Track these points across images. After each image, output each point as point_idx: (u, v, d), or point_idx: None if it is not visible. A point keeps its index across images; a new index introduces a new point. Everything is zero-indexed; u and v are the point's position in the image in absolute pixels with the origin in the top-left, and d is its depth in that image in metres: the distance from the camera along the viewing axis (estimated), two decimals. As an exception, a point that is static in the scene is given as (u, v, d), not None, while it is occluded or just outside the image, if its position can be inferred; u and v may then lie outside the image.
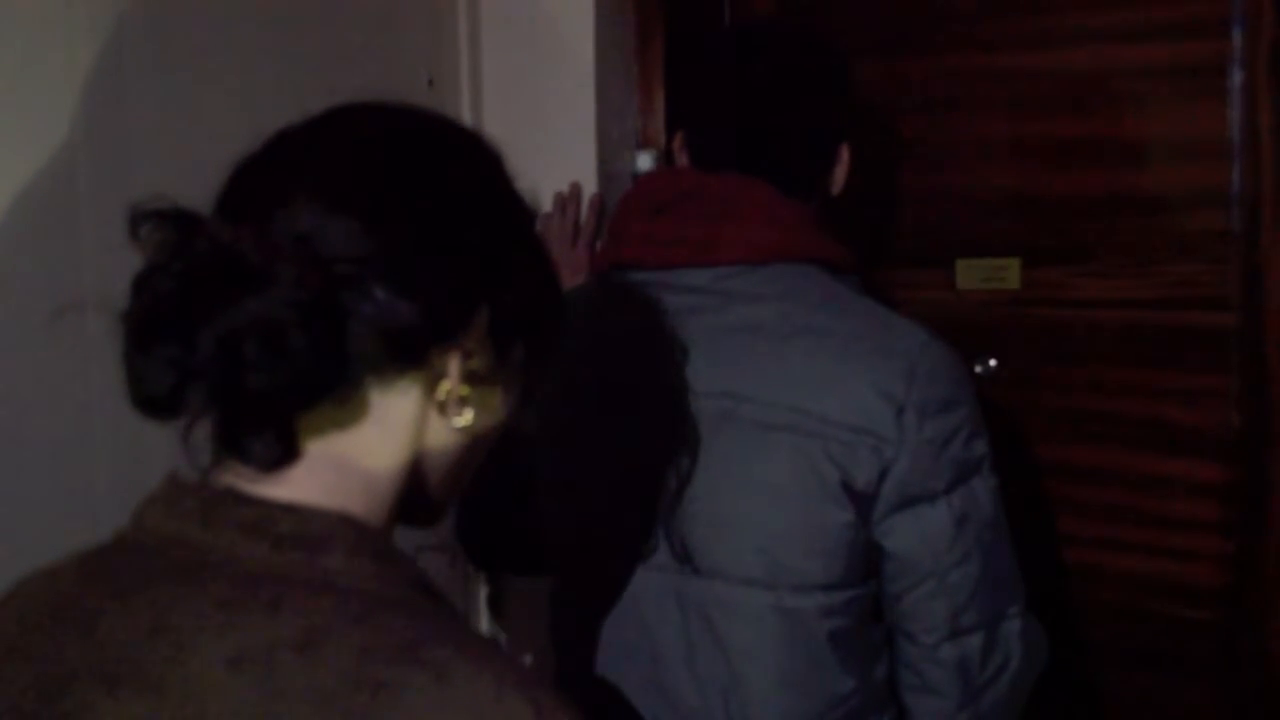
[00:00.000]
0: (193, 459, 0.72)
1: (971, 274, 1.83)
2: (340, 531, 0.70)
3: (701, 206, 1.27)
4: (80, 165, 1.18)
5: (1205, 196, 1.68)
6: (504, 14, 1.78)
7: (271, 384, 0.66)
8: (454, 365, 0.74)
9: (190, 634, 0.66)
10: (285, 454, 0.70)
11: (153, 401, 0.67)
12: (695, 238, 1.25)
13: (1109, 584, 1.79)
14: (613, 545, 1.30)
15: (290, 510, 0.70)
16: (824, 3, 1.88)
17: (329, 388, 0.69)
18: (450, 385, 0.74)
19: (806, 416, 1.19)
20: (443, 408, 0.74)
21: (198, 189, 0.72)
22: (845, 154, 1.34)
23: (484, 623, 1.82)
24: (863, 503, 1.19)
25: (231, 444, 0.69)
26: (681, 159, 1.36)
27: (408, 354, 0.72)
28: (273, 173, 0.74)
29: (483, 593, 1.83)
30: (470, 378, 0.75)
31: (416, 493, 0.77)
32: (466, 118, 1.75)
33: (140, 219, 0.67)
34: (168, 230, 0.67)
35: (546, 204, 1.72)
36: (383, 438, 0.74)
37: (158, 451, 0.73)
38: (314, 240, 0.69)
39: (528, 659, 1.68)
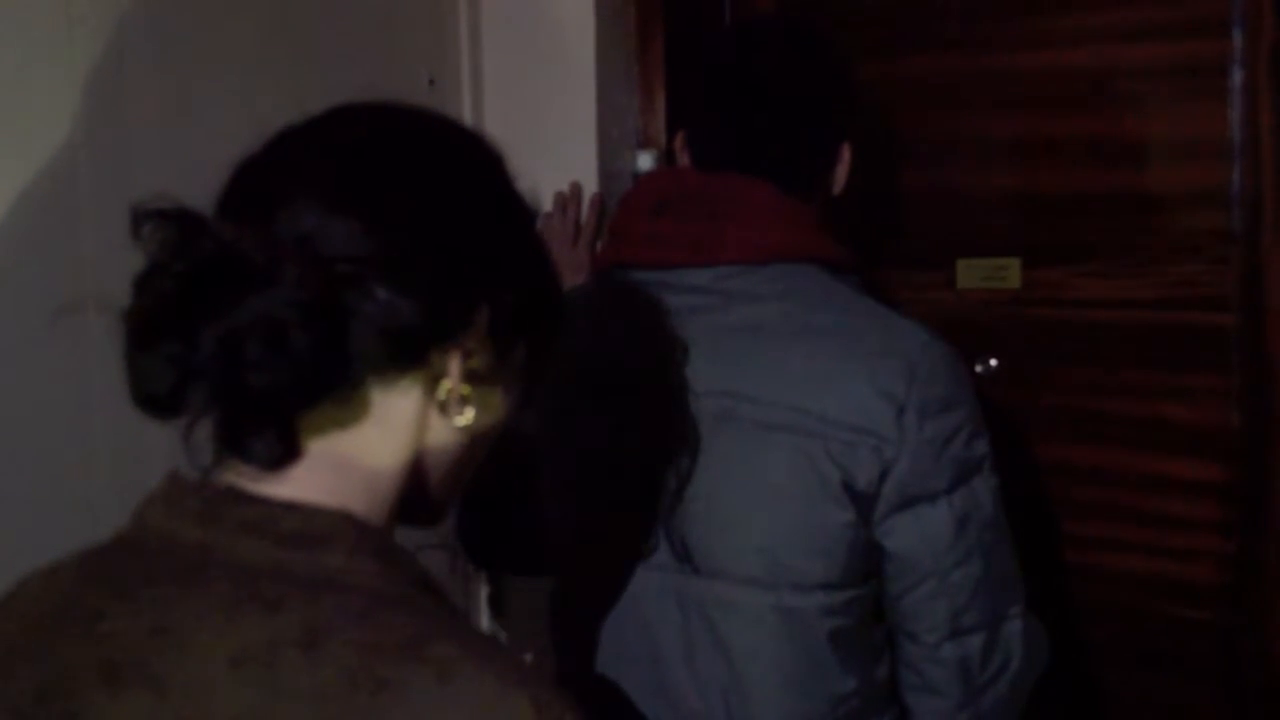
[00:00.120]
0: (193, 458, 0.72)
1: (972, 274, 1.83)
2: (342, 530, 0.70)
3: (702, 206, 1.26)
4: (81, 165, 1.18)
5: (1206, 196, 1.68)
6: (505, 14, 1.78)
7: (273, 383, 0.66)
8: (455, 365, 0.74)
9: (192, 633, 0.66)
10: (286, 453, 0.70)
11: (154, 400, 0.67)
12: (696, 237, 1.25)
13: (1109, 584, 1.79)
14: (613, 545, 1.30)
15: (291, 509, 0.70)
16: (824, 2, 1.88)
17: (330, 387, 0.69)
18: (451, 385, 0.74)
19: (807, 416, 1.19)
20: (443, 407, 0.75)
21: (198, 189, 0.72)
22: (846, 153, 1.34)
23: (484, 622, 1.82)
24: (863, 502, 1.19)
25: (233, 443, 0.69)
26: (683, 158, 1.36)
27: (409, 353, 0.72)
28: (274, 173, 0.74)
29: (483, 592, 1.83)
30: (471, 377, 0.75)
31: (417, 492, 0.77)
32: (467, 118, 1.75)
33: (142, 218, 0.67)
34: (170, 230, 0.67)
35: (547, 204, 1.72)
36: (384, 437, 0.74)
37: (158, 451, 0.73)
38: (315, 240, 0.69)
39: (528, 658, 1.68)
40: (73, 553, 0.76)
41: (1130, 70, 1.71)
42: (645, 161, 1.82)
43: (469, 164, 0.79)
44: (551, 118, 1.75)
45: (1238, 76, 1.63)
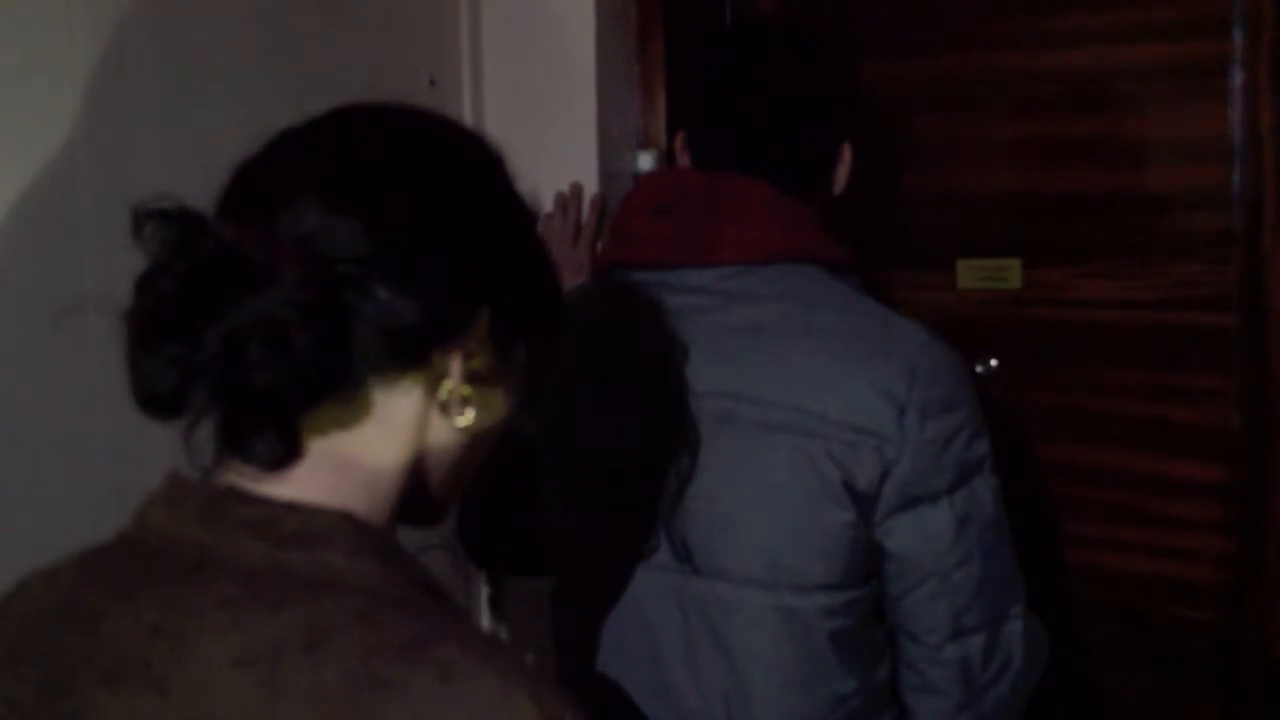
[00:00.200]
0: (194, 458, 0.72)
1: (972, 274, 1.83)
2: (343, 530, 0.70)
3: (703, 206, 1.26)
4: (81, 166, 1.18)
5: (1206, 197, 1.68)
6: (505, 14, 1.78)
7: (275, 383, 0.66)
8: (456, 365, 0.74)
9: (194, 633, 0.66)
10: (288, 453, 0.70)
11: (156, 400, 0.67)
12: (696, 237, 1.25)
13: (1110, 584, 1.79)
14: (613, 545, 1.30)
15: (293, 509, 0.70)
16: (825, 3, 1.88)
17: (332, 387, 0.69)
18: (452, 385, 0.74)
19: (807, 416, 1.19)
20: (444, 407, 0.75)
21: (198, 189, 0.72)
22: (847, 154, 1.34)
23: (485, 622, 1.82)
24: (864, 503, 1.19)
25: (234, 443, 0.69)
26: (683, 159, 1.36)
27: (410, 354, 0.72)
28: (275, 173, 0.74)
29: (484, 592, 1.83)
30: (472, 377, 0.75)
31: (418, 492, 0.77)
32: (468, 118, 1.75)
33: (143, 218, 0.67)
34: (171, 230, 0.67)
35: (548, 204, 1.72)
36: (385, 437, 0.74)
37: (158, 451, 0.73)
38: (316, 240, 0.69)
39: (528, 658, 1.68)
40: (73, 553, 0.76)
41: (1131, 71, 1.71)
42: (646, 162, 1.82)
43: (469, 164, 0.79)
44: (552, 118, 1.75)
45: (1238, 77, 1.63)
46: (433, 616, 0.69)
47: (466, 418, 0.75)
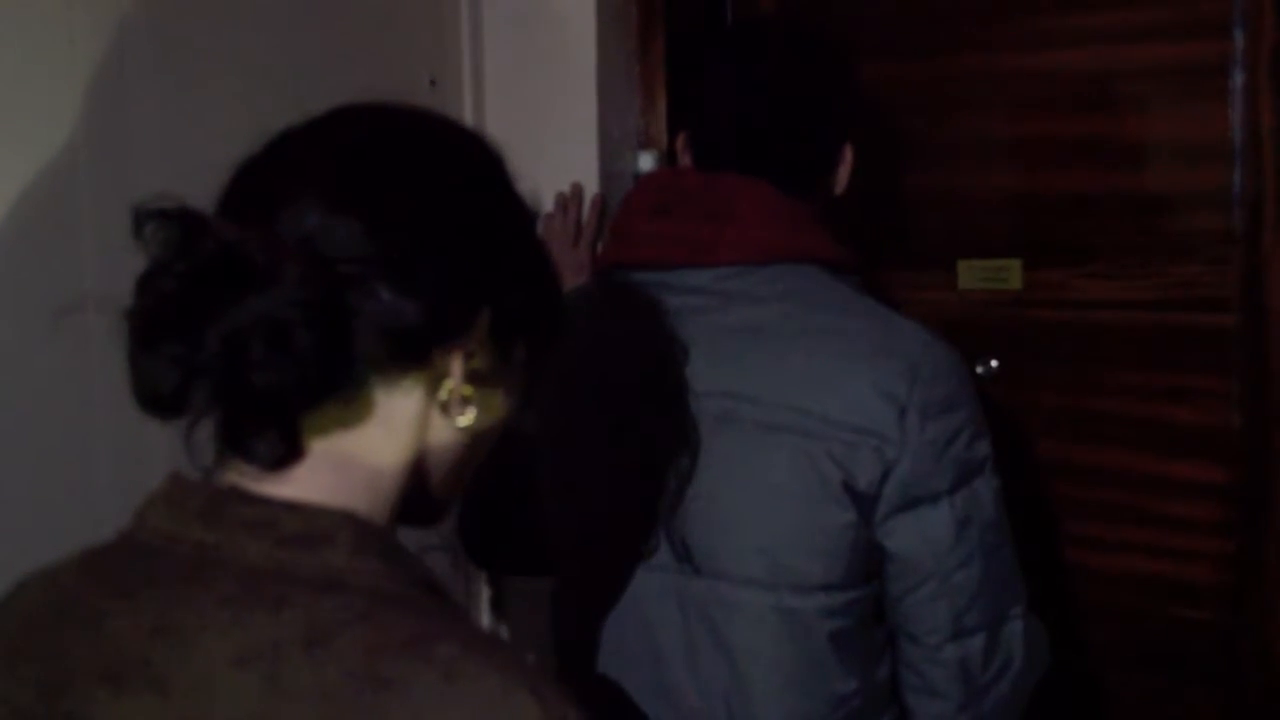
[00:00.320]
0: (194, 458, 0.72)
1: (973, 274, 1.83)
2: (344, 529, 0.70)
3: (703, 207, 1.26)
4: (81, 166, 1.18)
5: (1206, 198, 1.68)
6: (506, 14, 1.78)
7: (276, 383, 0.66)
8: (457, 365, 0.74)
9: (195, 633, 0.66)
10: (289, 453, 0.70)
11: (157, 400, 0.67)
12: (696, 238, 1.25)
13: (1110, 585, 1.79)
14: (613, 545, 1.30)
15: (294, 508, 0.70)
16: (826, 3, 1.88)
17: (333, 387, 0.69)
18: (453, 385, 0.74)
19: (808, 417, 1.19)
20: (445, 407, 0.75)
21: (199, 189, 0.72)
22: (848, 154, 1.34)
23: (485, 622, 1.82)
24: (864, 503, 1.19)
25: (235, 443, 0.69)
26: (684, 159, 1.36)
27: (411, 354, 0.72)
28: (276, 173, 0.74)
29: (484, 592, 1.83)
30: (472, 377, 0.75)
31: (418, 491, 0.77)
32: (468, 118, 1.75)
33: (144, 218, 0.67)
34: (172, 229, 0.67)
35: (548, 204, 1.72)
36: (386, 437, 0.74)
37: (159, 451, 0.73)
38: (318, 240, 0.69)
39: (530, 658, 1.68)
40: (74, 553, 0.76)
41: (1131, 71, 1.71)
42: (646, 162, 1.82)
43: (470, 165, 0.79)
44: (552, 118, 1.75)
45: (1239, 78, 1.63)
46: (434, 616, 0.69)
47: (467, 417, 0.75)
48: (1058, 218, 1.78)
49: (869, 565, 1.23)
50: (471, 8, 1.77)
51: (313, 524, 0.70)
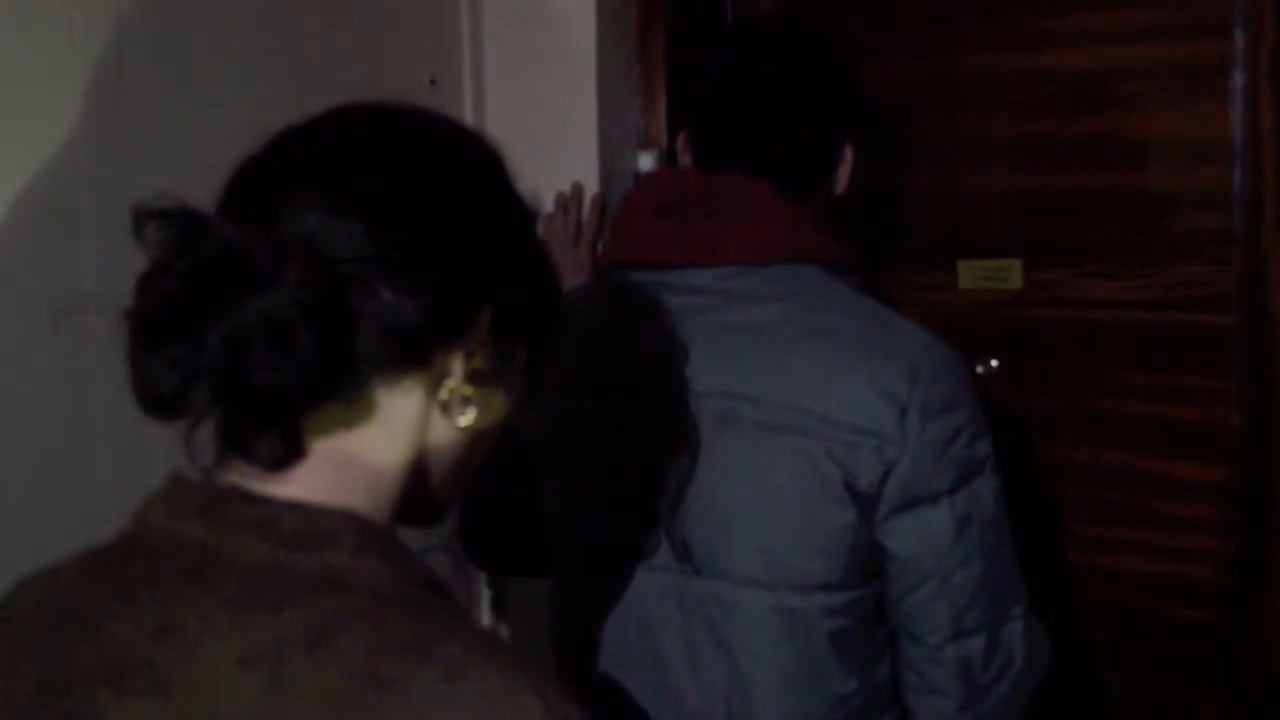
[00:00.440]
0: (195, 458, 0.72)
1: (973, 274, 1.83)
2: (346, 529, 0.70)
3: (704, 206, 1.26)
4: (81, 165, 1.18)
5: (1207, 198, 1.68)
6: (506, 14, 1.78)
7: (278, 383, 0.66)
8: (457, 365, 0.74)
9: (197, 633, 0.66)
10: (290, 453, 0.70)
11: (159, 401, 0.67)
12: (697, 237, 1.25)
13: (1110, 585, 1.79)
14: (614, 545, 1.30)
15: (295, 508, 0.70)
16: (826, 3, 1.88)
17: (335, 387, 0.69)
18: (454, 384, 0.74)
19: (808, 417, 1.19)
20: (446, 407, 0.75)
21: (199, 189, 0.72)
22: (848, 154, 1.34)
23: (485, 622, 1.82)
24: (865, 503, 1.19)
25: (236, 443, 0.69)
26: (685, 159, 1.36)
27: (412, 353, 0.72)
28: (276, 173, 0.74)
29: (484, 593, 1.83)
30: (473, 377, 0.75)
31: (419, 491, 0.77)
32: (468, 118, 1.75)
33: (144, 218, 0.67)
34: (172, 229, 0.67)
35: (548, 204, 1.72)
36: (386, 436, 0.74)
37: (159, 452, 0.73)
38: (318, 240, 0.69)
39: (531, 658, 1.68)
40: (74, 553, 0.76)
41: (1131, 71, 1.71)
42: (646, 162, 1.82)
43: (470, 165, 0.79)
44: (552, 118, 1.75)
45: (1239, 78, 1.63)
46: (436, 615, 0.69)
47: (468, 417, 0.75)
48: (1058, 218, 1.78)
49: (869, 565, 1.22)
50: (472, 8, 1.77)
51: (314, 524, 0.70)
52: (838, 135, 1.33)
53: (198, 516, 0.71)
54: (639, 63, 1.83)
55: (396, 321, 0.70)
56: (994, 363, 1.82)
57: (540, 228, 0.85)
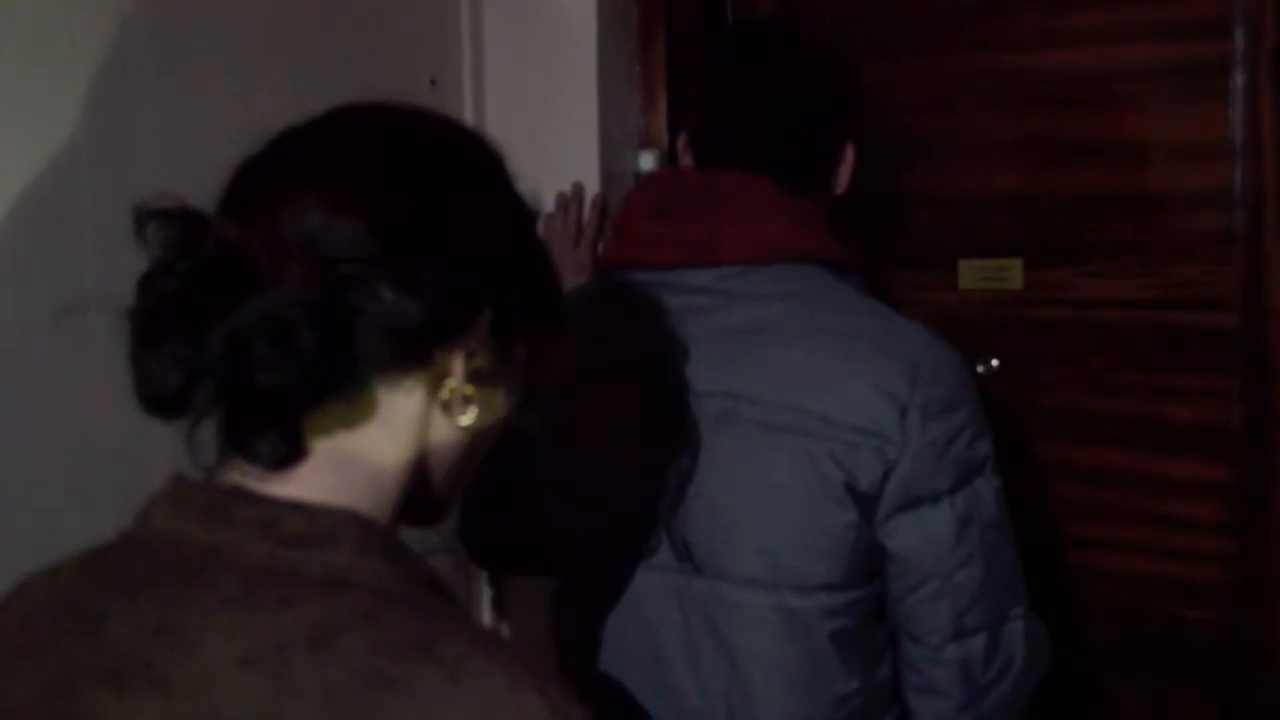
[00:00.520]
0: (196, 458, 0.72)
1: (974, 274, 1.83)
2: (348, 528, 0.70)
3: (704, 207, 1.27)
4: (82, 165, 1.18)
5: (1207, 197, 1.68)
6: (506, 14, 1.78)
7: (280, 383, 0.66)
8: (458, 364, 0.74)
9: (198, 633, 0.66)
10: (292, 452, 0.70)
11: (160, 400, 0.67)
12: (698, 237, 1.25)
13: (1111, 584, 1.79)
14: (614, 545, 1.30)
15: (297, 508, 0.70)
16: (826, 3, 1.88)
17: (336, 386, 0.69)
18: (454, 384, 0.74)
19: (809, 417, 1.19)
20: (447, 406, 0.75)
21: (200, 189, 0.72)
22: (849, 154, 1.34)
23: (486, 622, 1.82)
24: (866, 503, 1.19)
25: (238, 443, 0.69)
26: (686, 159, 1.36)
27: (413, 353, 0.72)
28: (277, 173, 0.74)
29: (485, 592, 1.83)
30: (474, 377, 0.75)
31: (420, 490, 0.77)
32: (468, 118, 1.75)
33: (146, 218, 0.67)
34: (174, 229, 0.67)
35: (548, 204, 1.72)
36: (388, 436, 0.74)
37: (160, 452, 0.73)
38: (319, 240, 0.69)
39: (534, 657, 1.68)
40: (74, 553, 0.76)
41: (1132, 71, 1.71)
42: (647, 162, 1.82)
43: (470, 164, 0.79)
44: (553, 118, 1.75)
45: (1239, 77, 1.63)
46: (439, 615, 0.69)
47: (469, 416, 0.75)
48: (1059, 217, 1.78)
49: (870, 565, 1.23)
50: (472, 7, 1.77)
51: (316, 523, 0.70)
52: (838, 135, 1.33)
53: (199, 516, 0.71)
54: (640, 63, 1.83)
55: (397, 321, 0.70)
56: (994, 362, 1.82)
57: (540, 228, 0.85)
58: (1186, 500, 1.72)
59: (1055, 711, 1.45)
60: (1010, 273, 1.81)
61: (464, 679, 0.64)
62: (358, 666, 0.64)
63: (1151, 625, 1.77)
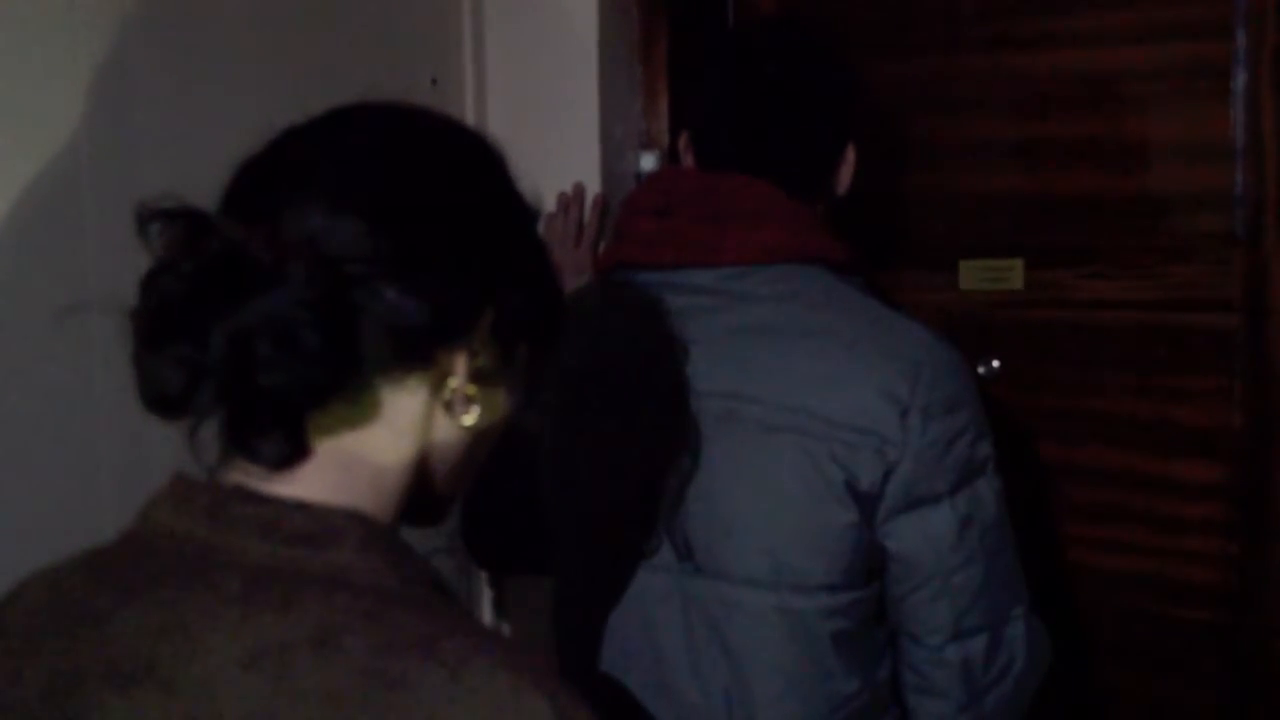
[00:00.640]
0: (198, 458, 0.72)
1: (975, 275, 1.83)
2: (351, 528, 0.70)
3: (706, 207, 1.27)
4: (84, 166, 1.18)
5: (1209, 198, 1.68)
6: (508, 14, 1.78)
7: (283, 383, 0.66)
8: (460, 364, 0.74)
9: (202, 632, 0.66)
10: (295, 452, 0.70)
11: (164, 401, 0.67)
12: (700, 238, 1.25)
13: (1111, 585, 1.79)
14: (616, 545, 1.30)
15: (300, 508, 0.70)
16: (827, 3, 1.88)
17: (340, 386, 0.69)
18: (457, 384, 0.74)
19: (810, 417, 1.19)
20: (449, 406, 0.75)
21: (202, 189, 0.72)
22: (850, 154, 1.34)
23: (487, 621, 1.82)
24: (867, 504, 1.19)
25: (241, 443, 0.69)
26: (687, 159, 1.36)
27: (416, 353, 0.72)
28: (279, 173, 0.74)
29: (486, 592, 1.83)
30: (476, 376, 0.75)
31: (421, 490, 0.77)
32: (470, 118, 1.75)
33: (148, 218, 0.67)
34: (177, 229, 0.67)
35: (549, 204, 1.72)
36: (391, 435, 0.74)
37: (161, 451, 0.73)
38: (322, 240, 0.69)
39: (537, 657, 1.68)
40: (76, 553, 0.76)
41: (1133, 72, 1.71)
42: (648, 162, 1.82)
43: (472, 164, 0.79)
44: (554, 118, 1.75)
45: (1241, 78, 1.63)
46: (442, 614, 0.69)
47: (471, 416, 0.75)
48: (1060, 218, 1.78)
49: (871, 566, 1.23)
50: (473, 7, 1.77)
51: (319, 523, 0.70)
52: (839, 136, 1.33)
53: (202, 516, 0.71)
54: (641, 63, 1.83)
55: (400, 321, 0.70)
56: (995, 363, 1.82)
57: (541, 228, 0.86)
58: (1187, 501, 1.72)
59: (1055, 712, 1.45)
60: (1011, 273, 1.81)
61: (467, 679, 0.64)
62: (361, 666, 0.64)
63: (1152, 626, 1.77)
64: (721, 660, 1.24)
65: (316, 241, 0.69)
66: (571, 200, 1.73)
